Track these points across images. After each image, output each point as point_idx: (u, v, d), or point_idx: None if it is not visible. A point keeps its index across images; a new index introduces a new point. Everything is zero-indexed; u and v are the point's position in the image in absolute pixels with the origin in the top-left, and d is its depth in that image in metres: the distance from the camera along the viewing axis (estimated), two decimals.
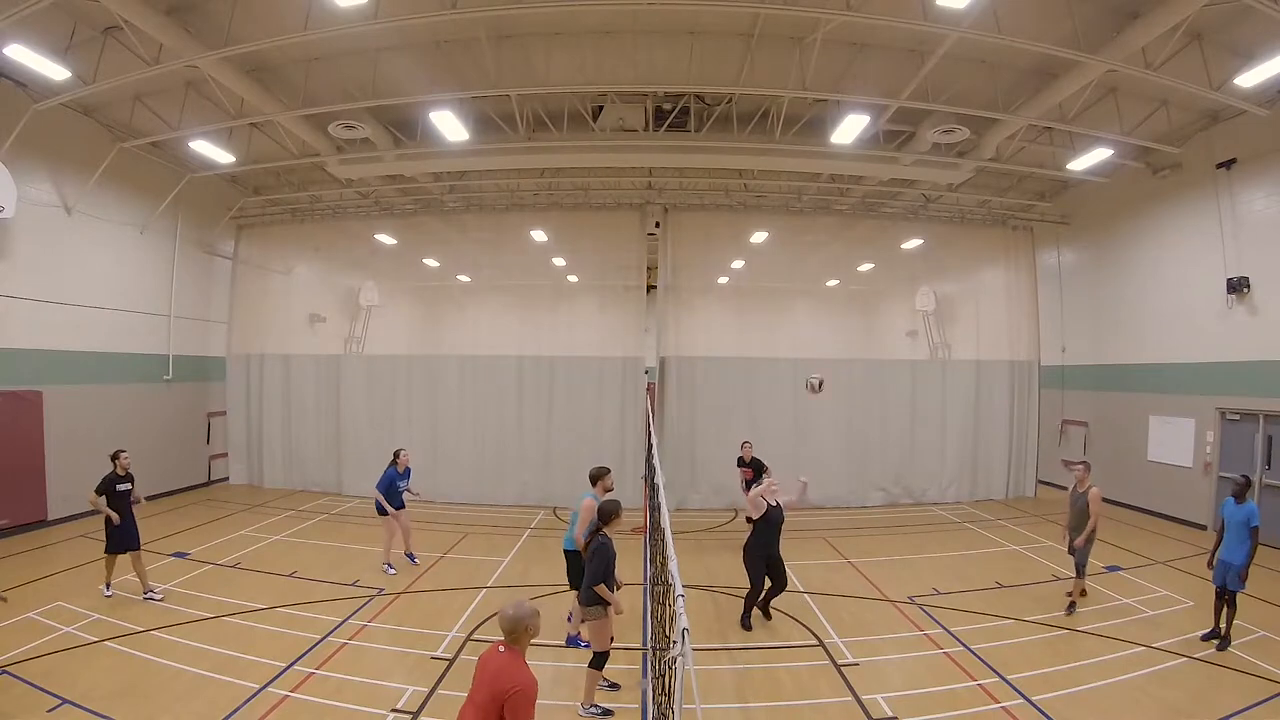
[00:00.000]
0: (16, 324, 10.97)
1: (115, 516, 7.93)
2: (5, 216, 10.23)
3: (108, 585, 8.08)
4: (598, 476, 7.16)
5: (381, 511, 9.48)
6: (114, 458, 8.12)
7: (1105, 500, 13.86)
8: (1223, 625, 7.07)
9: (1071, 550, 8.19)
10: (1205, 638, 7.16)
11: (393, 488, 9.52)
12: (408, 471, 9.84)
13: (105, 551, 8.03)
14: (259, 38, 8.81)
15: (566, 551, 7.21)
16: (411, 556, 9.95)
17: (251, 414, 15.91)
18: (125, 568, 8.16)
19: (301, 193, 15.29)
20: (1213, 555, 7.23)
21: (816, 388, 12.16)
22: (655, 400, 14.55)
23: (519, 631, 3.50)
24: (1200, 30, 8.83)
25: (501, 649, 3.52)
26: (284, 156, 12.93)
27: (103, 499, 7.94)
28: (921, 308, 15.86)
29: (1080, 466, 8.67)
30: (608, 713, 5.66)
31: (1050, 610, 8.15)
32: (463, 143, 11.23)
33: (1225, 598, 7.00)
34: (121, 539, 7.98)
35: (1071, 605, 8.15)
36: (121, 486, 8.07)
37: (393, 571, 9.42)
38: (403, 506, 9.71)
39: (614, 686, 6.11)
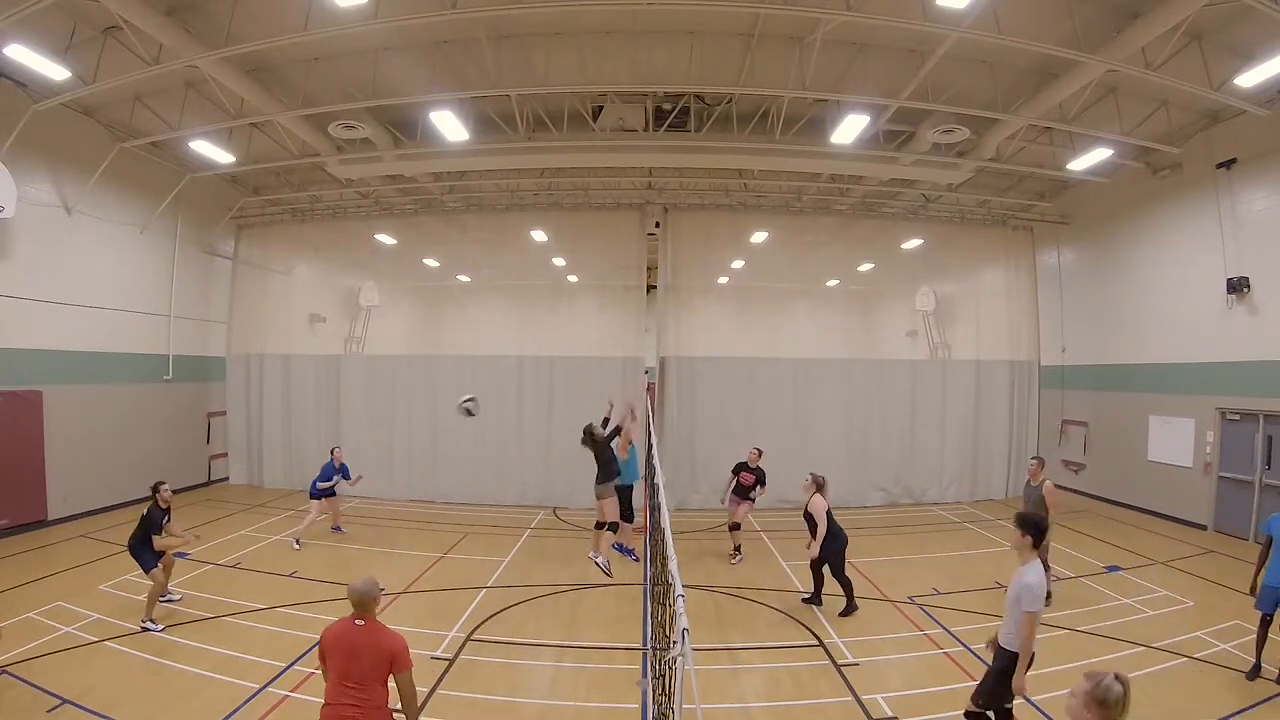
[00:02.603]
0: (16, 324, 10.97)
1: (186, 539, 7.97)
2: (5, 216, 10.23)
3: (153, 620, 7.37)
4: None
5: (314, 496, 11.02)
6: (155, 490, 7.59)
7: (1106, 500, 14.14)
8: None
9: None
10: (1251, 676, 6.25)
11: (330, 480, 11.15)
12: (344, 467, 11.37)
13: (148, 572, 7.37)
14: (259, 38, 8.81)
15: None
16: (338, 528, 11.68)
17: (251, 414, 15.90)
18: (120, 569, 8.15)
19: (301, 193, 15.29)
20: (1256, 577, 6.31)
21: (469, 410, 10.02)
22: (655, 400, 14.55)
23: (368, 603, 3.87)
24: (1200, 30, 8.82)
25: (360, 622, 3.83)
26: (284, 156, 12.93)
27: (160, 541, 7.45)
28: (921, 308, 15.86)
29: (1034, 461, 8.89)
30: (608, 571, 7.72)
31: (1050, 610, 8.13)
32: (463, 143, 11.22)
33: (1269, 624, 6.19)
34: (155, 555, 7.46)
35: None
36: (165, 520, 7.61)
37: (297, 547, 10.52)
38: (334, 494, 11.39)
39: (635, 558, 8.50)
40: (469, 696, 6.01)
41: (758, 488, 10.32)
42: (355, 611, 3.87)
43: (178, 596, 8.06)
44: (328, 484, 11.08)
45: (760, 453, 10.54)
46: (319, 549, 10.67)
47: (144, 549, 7.36)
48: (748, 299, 15.83)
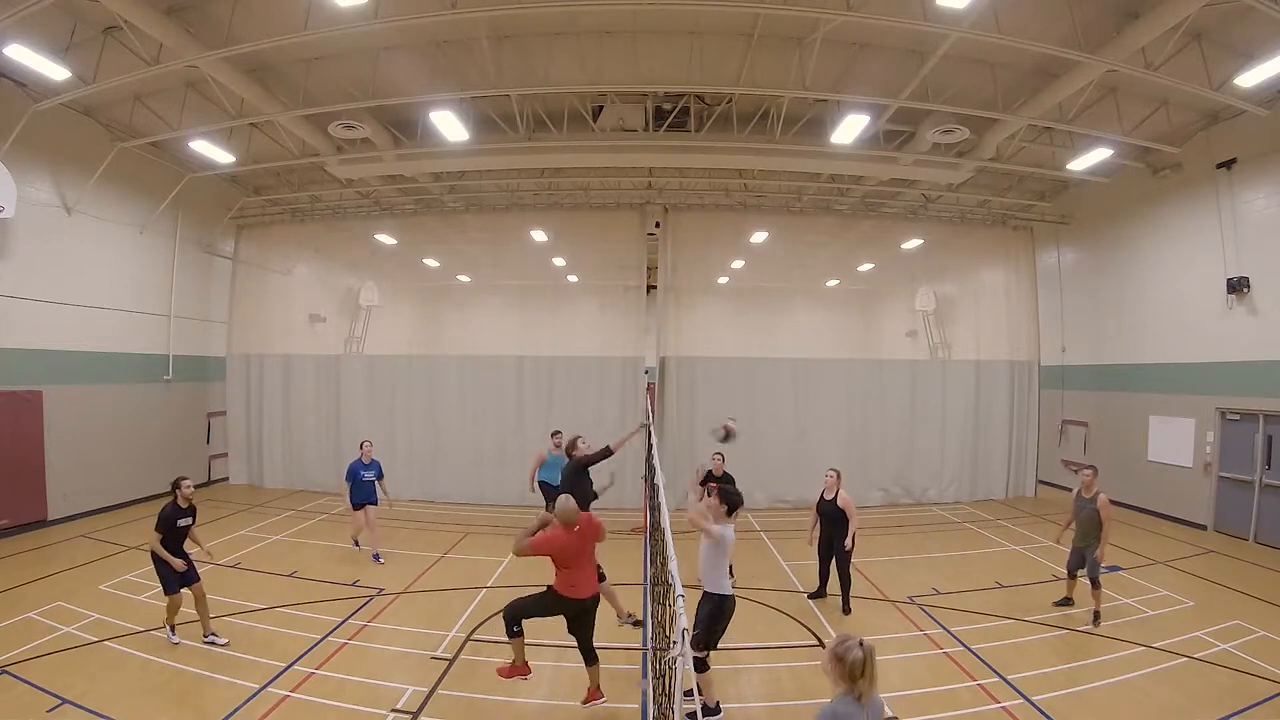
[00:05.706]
0: (16, 324, 10.96)
1: (177, 563, 6.61)
2: (5, 216, 10.21)
3: (172, 629, 6.84)
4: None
5: (355, 506, 9.92)
6: (175, 487, 6.80)
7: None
8: None
9: (1079, 560, 7.90)
10: None
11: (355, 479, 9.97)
12: (375, 463, 10.15)
13: (165, 594, 6.70)
14: (259, 38, 8.80)
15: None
16: (376, 555, 10.06)
17: (251, 414, 15.89)
18: (120, 569, 8.13)
19: (301, 193, 15.28)
20: None
21: (725, 435, 9.26)
22: (655, 400, 14.55)
23: (575, 517, 5.79)
24: (1200, 30, 8.83)
25: (576, 527, 5.75)
26: (284, 156, 12.92)
27: (158, 537, 6.63)
28: (921, 308, 15.86)
29: (1089, 471, 8.04)
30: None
31: (1050, 610, 8.14)
32: (463, 143, 11.22)
33: None
34: (181, 577, 6.72)
35: (1096, 616, 7.67)
36: (183, 522, 6.79)
37: (381, 563, 9.85)
38: (375, 502, 9.99)
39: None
40: (469, 696, 6.02)
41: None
42: (567, 526, 5.72)
43: (223, 641, 6.82)
44: (354, 482, 9.85)
45: (723, 457, 9.50)
46: (318, 549, 10.67)
47: (161, 564, 6.62)
48: (748, 299, 15.83)
